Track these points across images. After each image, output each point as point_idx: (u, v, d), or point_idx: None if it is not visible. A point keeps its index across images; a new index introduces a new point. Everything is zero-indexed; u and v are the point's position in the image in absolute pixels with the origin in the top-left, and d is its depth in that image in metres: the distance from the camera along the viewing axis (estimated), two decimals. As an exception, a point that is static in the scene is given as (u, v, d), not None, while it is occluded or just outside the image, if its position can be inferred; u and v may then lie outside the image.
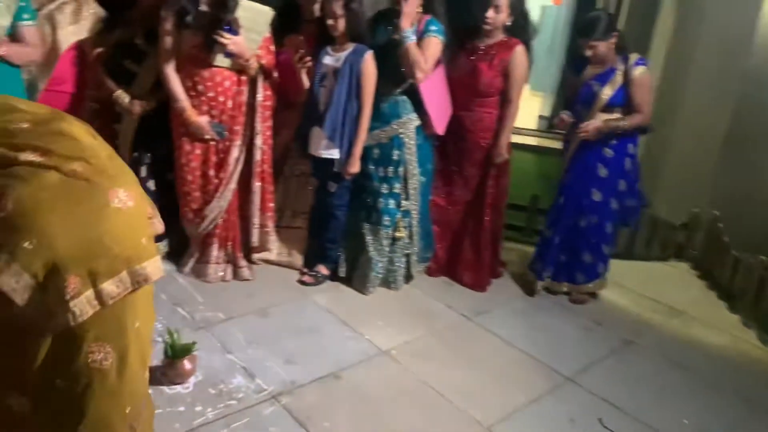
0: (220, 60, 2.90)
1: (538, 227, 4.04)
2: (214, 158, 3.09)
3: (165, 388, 2.46)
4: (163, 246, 3.35)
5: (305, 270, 3.42)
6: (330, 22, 2.99)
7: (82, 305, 1.48)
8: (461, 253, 3.59)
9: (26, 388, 1.57)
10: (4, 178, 1.49)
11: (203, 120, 2.99)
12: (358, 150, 3.14)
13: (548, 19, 7.27)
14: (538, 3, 7.96)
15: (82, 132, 1.66)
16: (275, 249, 3.47)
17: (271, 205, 3.31)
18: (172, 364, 2.47)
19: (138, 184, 1.65)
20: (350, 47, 3.06)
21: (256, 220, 3.26)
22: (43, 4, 2.98)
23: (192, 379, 2.52)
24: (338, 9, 2.96)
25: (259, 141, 3.12)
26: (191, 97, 2.97)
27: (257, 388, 2.55)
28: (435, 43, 3.07)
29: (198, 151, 3.07)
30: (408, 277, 3.49)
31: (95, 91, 3.16)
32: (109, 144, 3.25)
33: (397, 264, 3.40)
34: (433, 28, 3.07)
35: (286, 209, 3.49)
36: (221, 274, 3.29)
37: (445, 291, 3.55)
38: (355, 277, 3.40)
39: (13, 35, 2.85)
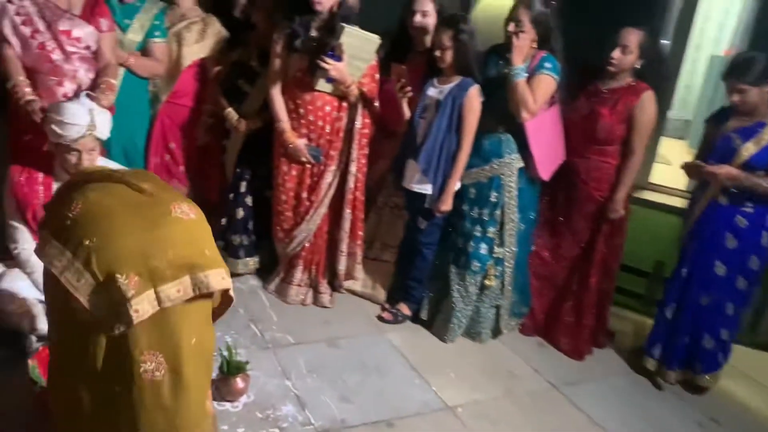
0: (322, 84, 2.90)
1: (660, 297, 3.55)
2: (308, 181, 3.10)
3: (215, 404, 2.44)
4: (254, 262, 3.40)
5: (387, 306, 3.29)
6: (437, 53, 2.89)
7: (144, 304, 1.51)
8: (561, 314, 3.24)
9: (91, 385, 1.61)
10: (79, 192, 1.62)
11: (300, 142, 3.00)
12: (451, 187, 2.98)
13: (714, 71, 6.59)
14: (707, 53, 7.29)
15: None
16: (361, 280, 3.39)
17: (361, 233, 3.24)
18: (225, 380, 2.45)
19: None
20: (456, 80, 2.92)
21: (344, 247, 3.20)
22: (173, 23, 3.20)
23: (243, 399, 2.48)
24: (446, 40, 2.85)
25: (353, 168, 3.07)
26: (292, 119, 3.01)
27: (305, 420, 2.45)
28: (547, 82, 2.84)
29: (294, 173, 3.09)
30: (496, 331, 3.22)
31: (211, 106, 3.33)
32: (216, 159, 3.42)
33: (483, 315, 3.15)
34: (547, 65, 2.85)
35: (376, 241, 3.40)
36: (302, 297, 3.26)
37: (536, 353, 3.21)
38: (437, 321, 3.19)
39: (144, 50, 3.10)
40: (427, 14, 3.07)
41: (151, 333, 1.57)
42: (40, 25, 2.63)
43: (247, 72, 3.23)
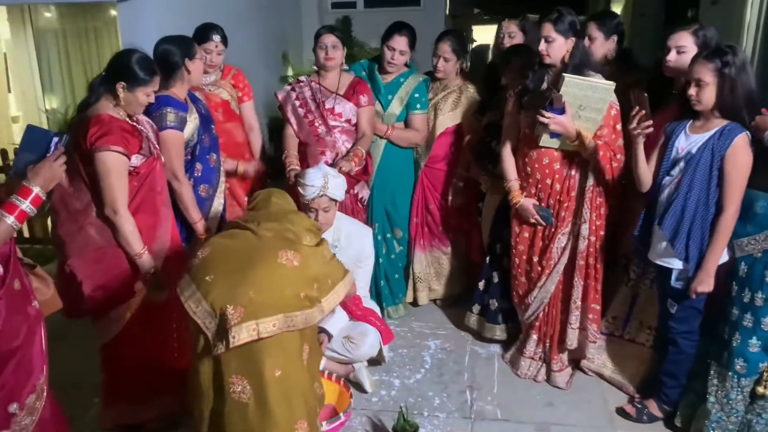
0: (546, 140, 2.68)
1: None
2: (539, 244, 2.85)
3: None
4: (501, 331, 3.24)
5: (636, 398, 2.73)
6: (692, 92, 2.34)
7: (241, 331, 1.84)
8: None
9: (202, 402, 1.98)
10: (220, 235, 2.05)
11: (528, 202, 2.81)
12: (711, 263, 2.33)
13: None
14: None
15: (303, 220, 2.08)
16: (611, 363, 2.90)
17: (596, 307, 2.80)
18: (397, 439, 2.44)
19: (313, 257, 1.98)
20: (716, 126, 2.32)
21: (574, 320, 2.81)
22: (436, 94, 3.44)
23: (415, 462, 2.42)
24: (706, 75, 2.29)
25: (585, 230, 2.71)
26: (521, 178, 2.86)
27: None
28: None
29: (525, 234, 2.90)
30: (781, 461, 2.32)
31: (463, 170, 3.41)
32: (474, 220, 3.48)
33: (758, 433, 2.33)
34: None
35: (633, 319, 2.86)
36: (533, 371, 2.97)
37: None
38: (692, 430, 2.48)
39: (406, 121, 3.41)
40: (683, 50, 2.55)
41: (239, 360, 1.86)
42: (312, 106, 3.20)
43: (499, 133, 3.20)
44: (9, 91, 6.78)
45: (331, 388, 2.71)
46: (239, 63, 3.50)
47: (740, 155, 2.25)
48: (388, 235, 3.53)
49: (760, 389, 2.29)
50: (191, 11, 3.17)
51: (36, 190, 1.76)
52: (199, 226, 2.74)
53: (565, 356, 2.94)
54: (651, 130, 2.39)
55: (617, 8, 10.49)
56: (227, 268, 1.89)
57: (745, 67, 2.26)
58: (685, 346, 2.51)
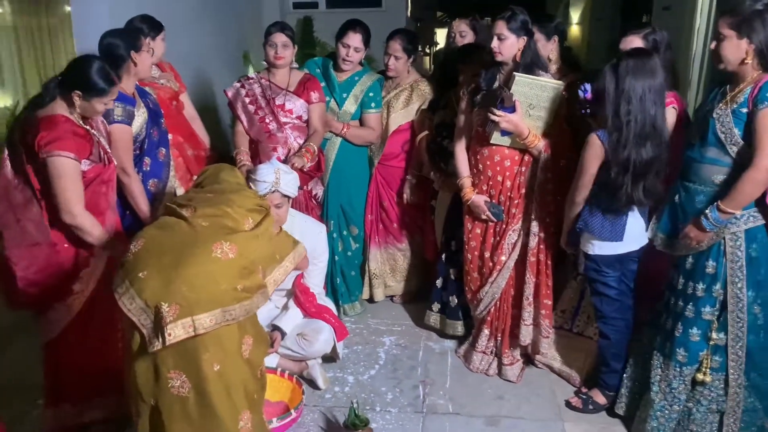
0: (497, 138, 2.72)
1: None
2: (491, 240, 2.89)
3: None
4: (462, 327, 3.26)
5: (582, 390, 2.78)
6: None
7: (177, 329, 1.79)
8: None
9: (139, 398, 1.94)
10: (153, 225, 1.97)
11: (479, 199, 2.84)
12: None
13: None
14: None
15: (246, 201, 2.01)
16: (560, 356, 2.95)
17: (548, 302, 2.84)
18: (347, 433, 2.43)
19: (254, 245, 1.93)
20: None
21: (527, 317, 2.86)
22: (389, 92, 3.45)
23: (366, 457, 2.42)
24: None
25: (534, 227, 2.76)
26: (473, 175, 2.89)
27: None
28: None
29: (477, 231, 2.93)
30: (721, 447, 2.39)
31: (416, 169, 3.44)
32: (429, 218, 3.47)
33: (698, 420, 2.39)
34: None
35: (583, 313, 2.92)
36: (484, 365, 3.00)
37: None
38: (636, 419, 2.55)
39: (360, 120, 3.41)
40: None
41: (176, 356, 1.82)
42: (262, 103, 3.18)
43: (450, 132, 3.23)
44: (-41, 89, 6.56)
45: (284, 385, 2.70)
46: (197, 63, 3.47)
47: (584, 149, 2.41)
48: (345, 233, 3.53)
49: (700, 376, 2.36)
50: (145, 9, 3.13)
51: None
52: (150, 220, 2.70)
53: (516, 350, 2.98)
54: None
55: (576, 13, 10.73)
56: (160, 263, 1.83)
57: (623, 76, 2.28)
58: (606, 330, 2.62)
